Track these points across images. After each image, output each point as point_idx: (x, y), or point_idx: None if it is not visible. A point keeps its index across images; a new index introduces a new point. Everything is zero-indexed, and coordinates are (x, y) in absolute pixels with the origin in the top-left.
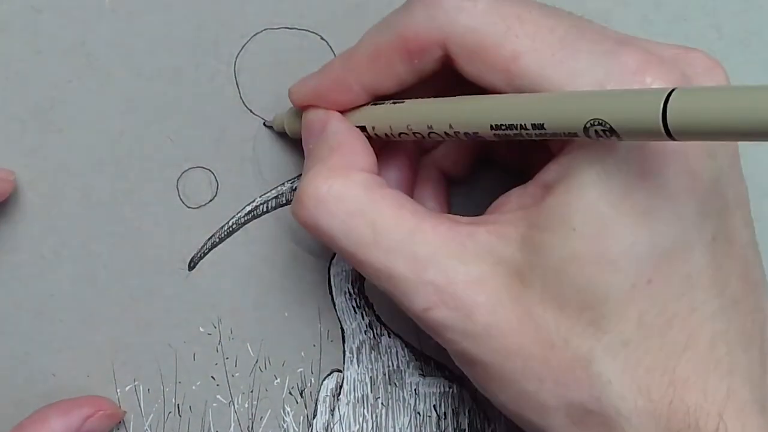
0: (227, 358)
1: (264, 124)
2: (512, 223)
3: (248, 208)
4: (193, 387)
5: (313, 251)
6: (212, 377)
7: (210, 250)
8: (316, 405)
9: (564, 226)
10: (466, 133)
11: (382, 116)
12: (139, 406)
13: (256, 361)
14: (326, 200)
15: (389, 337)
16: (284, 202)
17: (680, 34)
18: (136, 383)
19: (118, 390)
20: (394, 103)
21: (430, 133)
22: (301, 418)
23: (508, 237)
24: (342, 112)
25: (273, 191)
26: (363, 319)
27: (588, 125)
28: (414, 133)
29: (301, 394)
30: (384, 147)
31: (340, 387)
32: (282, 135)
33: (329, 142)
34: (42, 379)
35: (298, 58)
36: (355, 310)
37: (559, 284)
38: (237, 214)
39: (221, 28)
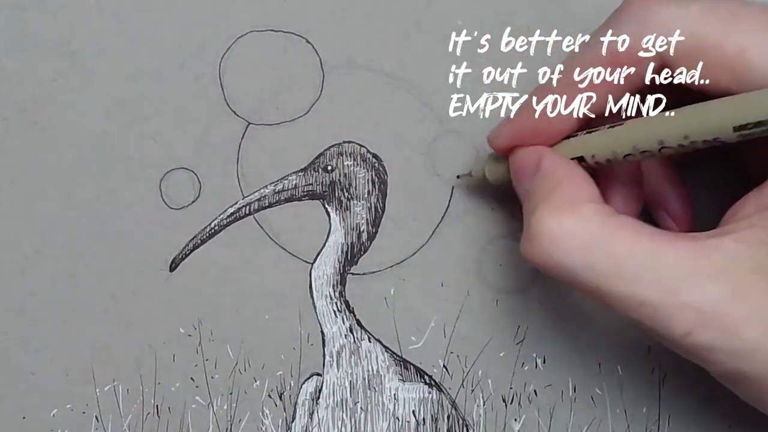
0: (207, 360)
1: (457, 177)
2: (759, 226)
3: (231, 210)
4: (173, 388)
5: (294, 254)
6: (191, 378)
7: (192, 251)
8: (294, 408)
9: None
10: (704, 140)
11: (603, 142)
12: (118, 407)
13: (236, 363)
14: (560, 238)
15: (369, 341)
16: (267, 204)
17: None
18: (115, 383)
19: (97, 390)
20: (611, 126)
21: (661, 148)
22: (280, 421)
23: (757, 241)
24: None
25: (256, 193)
26: (343, 323)
27: None
28: (642, 152)
29: (280, 397)
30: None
31: (320, 391)
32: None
33: (548, 179)
34: (21, 377)
35: (283, 61)
36: (335, 314)
37: None
38: (219, 215)
39: (207, 29)
